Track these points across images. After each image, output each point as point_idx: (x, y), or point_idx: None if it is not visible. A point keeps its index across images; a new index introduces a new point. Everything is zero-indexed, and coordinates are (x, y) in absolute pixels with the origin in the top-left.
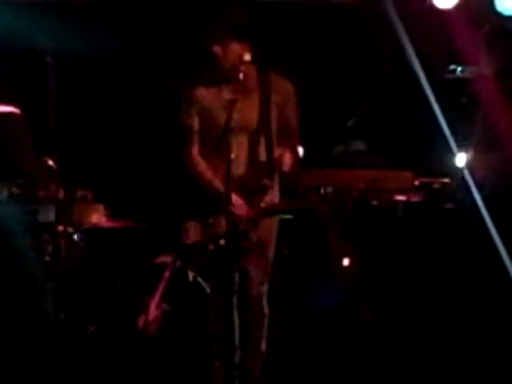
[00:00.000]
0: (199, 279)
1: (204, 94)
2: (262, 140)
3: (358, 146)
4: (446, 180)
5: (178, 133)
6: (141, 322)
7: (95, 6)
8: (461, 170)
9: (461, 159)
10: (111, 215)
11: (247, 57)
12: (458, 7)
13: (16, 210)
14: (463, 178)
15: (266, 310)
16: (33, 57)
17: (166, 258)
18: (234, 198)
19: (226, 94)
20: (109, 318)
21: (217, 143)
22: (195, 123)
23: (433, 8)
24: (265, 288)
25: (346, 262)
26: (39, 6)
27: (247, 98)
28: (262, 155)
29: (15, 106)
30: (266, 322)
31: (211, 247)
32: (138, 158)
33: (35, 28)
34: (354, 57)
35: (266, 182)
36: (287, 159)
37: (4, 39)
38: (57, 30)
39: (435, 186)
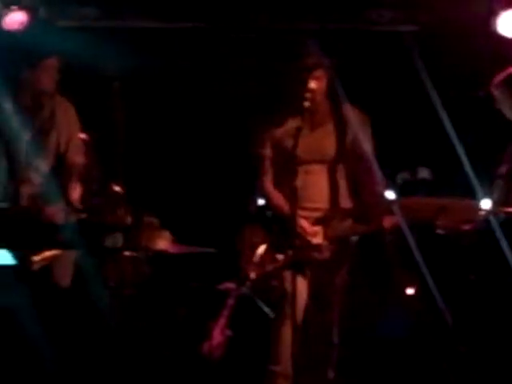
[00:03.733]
0: (263, 305)
1: (273, 122)
2: (339, 169)
3: (423, 173)
4: None
5: (248, 161)
6: (205, 347)
7: (162, 31)
8: None
9: None
10: (177, 241)
11: (313, 85)
12: None
13: (83, 235)
14: None
15: (336, 338)
16: (100, 82)
17: (230, 285)
18: (304, 223)
19: (294, 122)
20: (173, 343)
21: (286, 170)
22: (268, 152)
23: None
24: (334, 315)
25: (410, 290)
26: (105, 31)
27: (320, 128)
28: (340, 183)
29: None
30: (334, 351)
31: (279, 257)
32: (205, 184)
33: (102, 54)
34: (417, 83)
35: (342, 210)
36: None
37: (71, 65)
38: (124, 56)
39: (500, 214)
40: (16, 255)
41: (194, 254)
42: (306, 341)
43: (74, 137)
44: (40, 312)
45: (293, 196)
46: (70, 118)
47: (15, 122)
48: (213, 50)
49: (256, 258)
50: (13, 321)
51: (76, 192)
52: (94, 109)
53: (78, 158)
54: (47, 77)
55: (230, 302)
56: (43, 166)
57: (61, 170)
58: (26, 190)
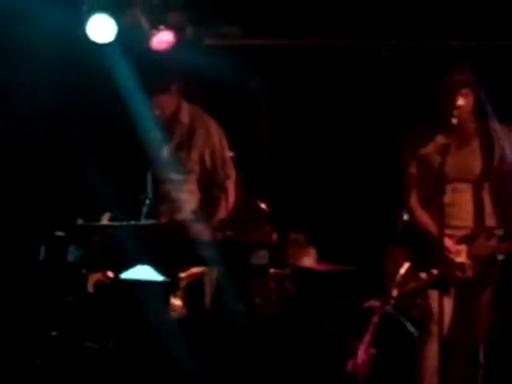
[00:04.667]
0: (407, 323)
1: (420, 140)
2: (485, 187)
3: None
4: None
5: (396, 178)
6: (350, 365)
7: (309, 49)
8: None
9: None
10: (322, 257)
11: (461, 102)
12: None
13: (229, 253)
14: None
15: (482, 358)
16: (246, 101)
17: (374, 303)
18: (448, 242)
19: (440, 139)
20: (317, 360)
21: (433, 188)
22: (414, 170)
23: None
24: (480, 335)
25: None
26: (252, 50)
27: (466, 146)
28: (485, 201)
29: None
30: (480, 371)
31: (423, 275)
32: (351, 201)
33: (248, 73)
34: None
35: (487, 229)
36: None
37: (217, 83)
38: (270, 74)
39: None
40: (164, 271)
41: (338, 271)
42: (452, 360)
43: (218, 152)
44: (183, 328)
45: (440, 213)
46: (212, 133)
47: (157, 136)
48: (361, 68)
49: (399, 276)
50: (158, 336)
51: (223, 209)
52: (240, 127)
53: (227, 172)
54: (168, 101)
55: (375, 319)
56: (183, 181)
57: (208, 185)
58: (164, 206)
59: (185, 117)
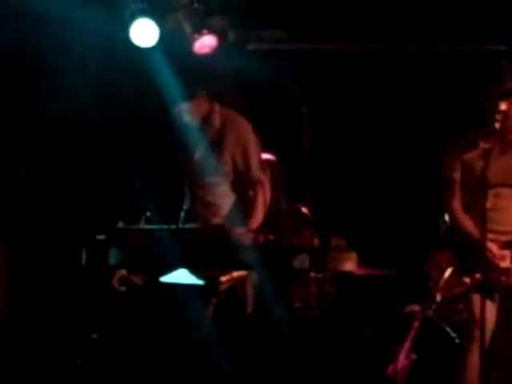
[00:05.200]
0: (448, 329)
1: (463, 144)
2: None
3: None
4: None
5: (438, 182)
6: (390, 370)
7: (350, 53)
8: None
9: None
10: (363, 262)
11: (504, 107)
12: None
13: (270, 257)
14: None
15: None
16: (287, 104)
17: (415, 307)
18: (492, 247)
19: (483, 144)
20: (358, 365)
21: (475, 193)
22: (458, 175)
23: None
24: None
25: None
26: (294, 53)
27: (509, 151)
28: None
29: (271, 153)
30: None
31: (466, 280)
32: (392, 206)
33: (290, 76)
34: None
35: None
36: None
37: (258, 87)
38: (312, 78)
39: None
40: (203, 275)
41: (379, 276)
42: (494, 367)
43: (250, 152)
44: (223, 332)
45: (483, 218)
46: (243, 135)
47: (191, 140)
48: (404, 72)
49: (443, 281)
50: (197, 340)
51: (260, 208)
52: (282, 131)
53: (259, 175)
54: (199, 106)
55: (416, 324)
56: (217, 184)
57: (242, 187)
58: (200, 211)
59: (216, 120)
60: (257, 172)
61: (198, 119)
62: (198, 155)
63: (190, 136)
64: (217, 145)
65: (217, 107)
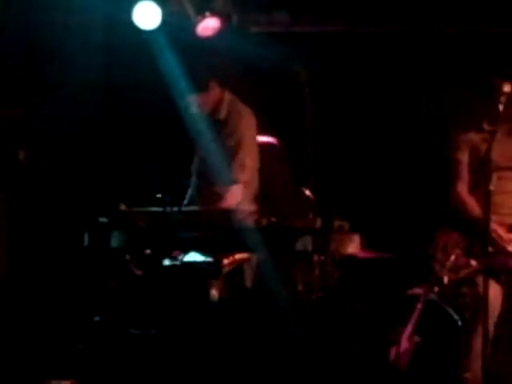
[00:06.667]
0: (451, 311)
1: (469, 126)
2: None
3: None
4: None
5: (443, 164)
6: (392, 353)
7: (352, 35)
8: None
9: None
10: (366, 245)
11: (507, 88)
12: None
13: (273, 239)
14: None
15: None
16: (290, 88)
17: (418, 290)
18: (500, 230)
19: (486, 126)
20: (360, 348)
21: (479, 175)
22: (465, 158)
23: None
24: None
25: None
26: (297, 37)
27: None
28: None
29: (274, 136)
30: None
31: (473, 263)
32: (396, 188)
33: (293, 59)
34: None
35: None
36: None
37: (261, 70)
38: (314, 61)
39: None
40: (207, 258)
41: (382, 259)
42: (498, 351)
43: (244, 139)
44: (225, 312)
45: (486, 200)
46: (244, 122)
47: (197, 128)
48: (410, 54)
49: (450, 263)
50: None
51: (234, 195)
52: (284, 114)
53: (247, 161)
54: (208, 98)
55: (419, 307)
56: (225, 170)
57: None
58: (205, 195)
59: (223, 112)
60: (236, 171)
61: (207, 110)
62: (204, 142)
63: (197, 127)
64: (219, 135)
65: (227, 96)
